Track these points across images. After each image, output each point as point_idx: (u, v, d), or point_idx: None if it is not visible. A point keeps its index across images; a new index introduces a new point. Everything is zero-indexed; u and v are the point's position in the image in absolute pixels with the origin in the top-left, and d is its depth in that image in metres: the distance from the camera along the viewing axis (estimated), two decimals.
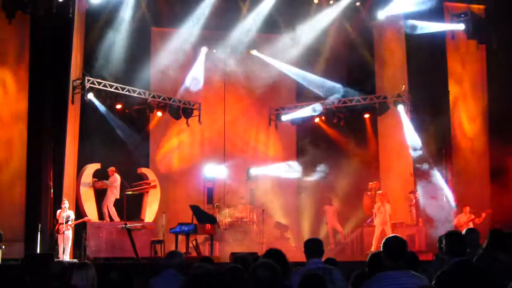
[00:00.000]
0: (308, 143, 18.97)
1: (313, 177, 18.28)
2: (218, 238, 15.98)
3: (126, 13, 17.15)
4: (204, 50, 19.00)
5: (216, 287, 3.93)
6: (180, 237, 15.02)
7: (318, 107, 18.87)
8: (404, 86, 17.71)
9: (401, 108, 17.63)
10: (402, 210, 17.60)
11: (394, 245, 4.46)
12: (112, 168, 16.21)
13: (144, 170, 17.61)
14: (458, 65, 18.14)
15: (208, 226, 15.28)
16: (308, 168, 18.54)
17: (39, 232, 14.02)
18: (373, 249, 15.53)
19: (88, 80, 16.19)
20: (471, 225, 14.71)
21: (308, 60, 19.24)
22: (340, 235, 17.95)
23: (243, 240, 15.99)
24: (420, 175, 16.79)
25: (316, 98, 19.31)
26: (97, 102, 16.58)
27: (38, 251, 13.71)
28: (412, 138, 17.24)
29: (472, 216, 15.75)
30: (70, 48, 15.34)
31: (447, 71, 17.63)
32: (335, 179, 17.10)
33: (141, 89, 17.43)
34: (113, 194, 16.16)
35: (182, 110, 18.50)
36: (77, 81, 16.19)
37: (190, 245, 15.15)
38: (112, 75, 17.00)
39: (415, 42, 17.31)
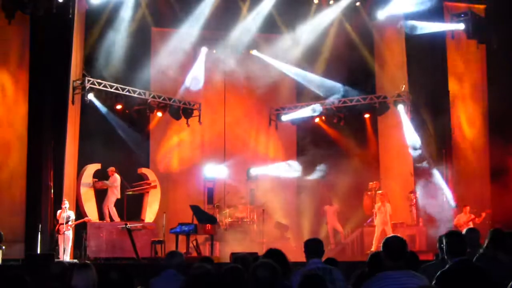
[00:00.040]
0: (308, 143, 18.97)
1: (313, 177, 18.28)
2: (218, 238, 15.98)
3: (126, 13, 17.15)
4: (204, 50, 19.00)
5: (216, 287, 3.93)
6: (180, 237, 15.02)
7: (317, 107, 18.88)
8: (404, 86, 17.71)
9: (401, 108, 17.63)
10: (402, 210, 17.61)
11: (394, 245, 4.46)
12: (112, 168, 16.22)
13: (144, 170, 17.61)
14: (458, 65, 18.14)
15: (208, 226, 15.29)
16: (308, 168, 18.55)
17: (39, 233, 14.04)
18: (373, 249, 15.53)
19: (88, 81, 16.19)
20: (471, 225, 14.71)
21: (308, 60, 19.26)
22: (341, 235, 17.95)
23: (243, 240, 15.97)
24: (420, 175, 16.80)
25: (316, 98, 19.33)
26: (97, 103, 16.58)
27: (38, 252, 13.73)
28: (412, 138, 17.24)
29: (472, 216, 15.76)
30: (70, 48, 15.34)
31: (447, 71, 17.63)
32: (335, 179, 17.09)
33: (141, 90, 17.43)
34: (114, 194, 16.16)
35: (182, 110, 18.50)
36: (77, 82, 16.20)
37: (191, 245, 15.15)
38: (112, 75, 17.00)
39: (415, 42, 17.31)
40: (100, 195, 16.34)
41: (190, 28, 18.14)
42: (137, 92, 17.32)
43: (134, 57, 17.43)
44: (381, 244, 4.55)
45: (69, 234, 14.40)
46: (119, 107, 17.10)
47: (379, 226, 16.38)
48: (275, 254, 5.41)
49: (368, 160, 18.46)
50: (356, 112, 18.68)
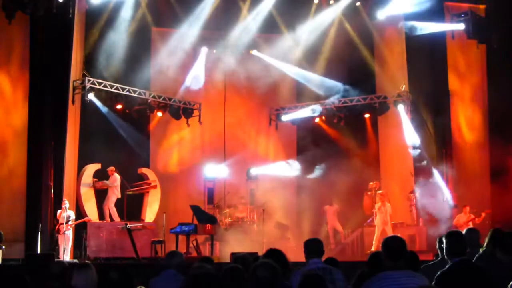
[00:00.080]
0: (308, 143, 18.98)
1: (314, 177, 18.28)
2: (218, 238, 15.98)
3: (126, 13, 17.16)
4: (204, 50, 19.01)
5: (216, 287, 3.93)
6: (180, 237, 15.02)
7: (317, 108, 18.89)
8: (404, 86, 17.71)
9: (401, 108, 17.63)
10: (402, 210, 17.61)
11: (394, 245, 4.47)
12: (111, 168, 16.22)
13: (144, 170, 17.61)
14: (458, 65, 18.14)
15: (208, 226, 15.30)
16: (309, 168, 18.55)
17: (39, 232, 14.03)
18: (373, 249, 15.54)
19: (89, 81, 16.19)
20: (470, 225, 14.71)
21: (308, 60, 19.27)
22: (341, 235, 17.95)
23: (244, 240, 15.97)
24: (420, 174, 16.81)
25: (317, 98, 19.34)
26: (97, 102, 16.58)
27: (38, 251, 13.72)
28: (412, 138, 17.24)
29: (472, 216, 15.76)
30: (70, 48, 15.34)
31: (447, 71, 17.64)
32: (335, 179, 17.08)
33: (141, 89, 17.43)
34: (114, 194, 16.17)
35: (183, 110, 18.51)
36: (78, 81, 16.20)
37: (191, 245, 15.15)
38: (112, 75, 17.00)
39: (415, 42, 17.32)
40: (100, 195, 16.34)
41: (190, 28, 18.15)
42: (137, 92, 17.33)
43: (134, 57, 17.43)
44: (381, 244, 4.55)
45: (69, 234, 14.40)
46: (119, 107, 17.11)
47: (379, 226, 16.38)
48: (275, 254, 5.41)
49: (368, 160, 18.46)
50: (356, 112, 18.69)
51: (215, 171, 18.87)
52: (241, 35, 18.62)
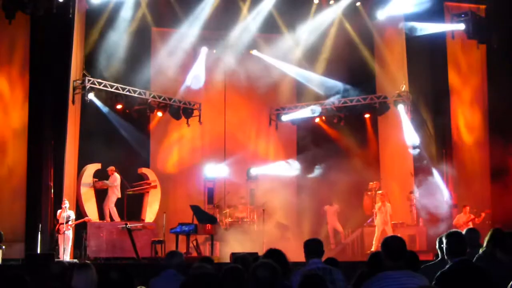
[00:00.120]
0: (309, 143, 18.98)
1: (314, 177, 18.28)
2: (218, 238, 15.98)
3: (126, 13, 17.16)
4: (204, 50, 19.01)
5: (216, 287, 3.93)
6: (180, 237, 15.03)
7: (316, 108, 18.89)
8: (404, 86, 17.71)
9: (401, 108, 17.63)
10: (402, 210, 17.61)
11: (394, 245, 4.47)
12: (111, 168, 16.22)
13: (144, 170, 17.61)
14: (459, 65, 18.14)
15: (208, 226, 15.30)
16: (309, 168, 18.55)
17: (39, 232, 14.03)
18: (373, 249, 15.55)
19: (89, 80, 16.20)
20: (470, 225, 14.71)
21: (308, 60, 19.28)
22: (341, 235, 17.95)
23: (244, 240, 15.97)
24: (419, 174, 16.80)
25: (317, 98, 19.35)
26: (97, 102, 16.58)
27: (38, 251, 13.72)
28: (412, 138, 17.24)
29: (472, 216, 15.76)
30: (70, 48, 15.34)
31: (447, 71, 17.63)
32: (336, 179, 17.08)
33: (141, 89, 17.44)
34: (114, 194, 16.17)
35: (183, 110, 18.51)
36: (78, 81, 16.20)
37: (191, 245, 15.16)
38: (112, 75, 17.00)
39: (415, 42, 17.32)
40: (100, 195, 16.34)
41: (190, 28, 18.15)
42: (137, 92, 17.33)
43: (134, 57, 17.43)
44: (381, 244, 4.55)
45: (69, 234, 14.40)
46: (119, 107, 17.11)
47: (379, 226, 16.39)
48: (275, 254, 5.41)
49: (368, 160, 18.46)
50: (356, 112, 18.69)
51: (215, 171, 18.87)
52: (241, 35, 18.62)
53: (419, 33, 17.11)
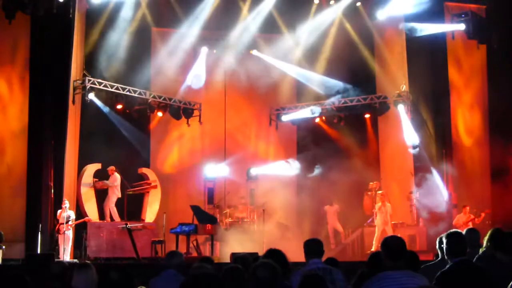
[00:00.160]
0: (309, 143, 18.98)
1: (314, 177, 18.28)
2: (218, 238, 15.97)
3: (127, 13, 17.17)
4: (204, 50, 19.01)
5: (216, 287, 3.93)
6: (180, 237, 15.02)
7: (316, 109, 18.89)
8: (404, 86, 17.71)
9: (401, 108, 17.63)
10: (402, 210, 17.61)
11: (394, 245, 4.47)
12: (112, 168, 16.22)
13: (144, 170, 17.62)
14: (459, 65, 18.13)
15: (208, 226, 15.30)
16: (309, 168, 18.55)
17: (39, 233, 14.02)
18: (373, 249, 15.56)
19: (89, 80, 16.20)
20: (470, 225, 14.71)
21: (309, 60, 19.28)
22: (341, 235, 17.95)
23: (244, 240, 15.98)
24: (419, 174, 16.80)
25: (317, 98, 19.35)
26: (98, 102, 16.59)
27: (38, 252, 13.71)
28: (412, 138, 17.24)
29: (472, 216, 15.76)
30: (71, 48, 15.34)
31: (447, 71, 17.62)
32: (336, 179, 17.08)
33: (141, 89, 17.45)
34: (115, 193, 16.17)
35: (183, 110, 18.52)
36: (78, 81, 16.21)
37: (191, 245, 15.16)
38: (112, 75, 17.02)
39: (416, 42, 17.31)
40: (101, 195, 16.34)
41: (190, 28, 18.16)
42: (137, 92, 17.34)
43: (135, 57, 17.44)
44: (380, 244, 4.55)
45: (69, 234, 14.40)
46: (119, 107, 17.12)
47: (379, 226, 16.39)
48: (275, 254, 5.41)
49: (368, 160, 18.45)
50: (356, 112, 18.70)
51: (215, 171, 18.87)
52: (241, 35, 18.62)
53: (419, 33, 17.10)
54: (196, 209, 15.54)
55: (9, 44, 15.39)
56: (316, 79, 19.29)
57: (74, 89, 16.09)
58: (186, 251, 14.73)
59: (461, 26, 17.27)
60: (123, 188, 16.23)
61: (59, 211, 14.41)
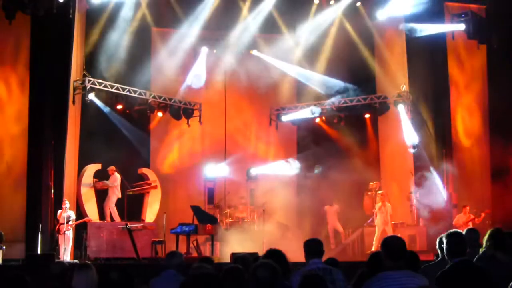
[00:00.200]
0: (309, 143, 18.98)
1: (314, 177, 18.28)
2: (218, 238, 15.97)
3: (127, 13, 17.17)
4: (204, 50, 19.00)
5: (215, 287, 3.94)
6: (180, 237, 15.03)
7: (315, 109, 18.89)
8: (404, 86, 17.71)
9: (401, 108, 17.62)
10: (402, 210, 17.61)
11: (394, 245, 4.47)
12: (112, 168, 16.22)
13: (144, 170, 17.62)
14: (459, 65, 18.13)
15: (208, 226, 15.30)
16: (309, 168, 18.54)
17: (39, 233, 14.02)
18: (373, 249, 15.56)
19: (89, 81, 16.21)
20: (470, 225, 14.71)
21: (309, 60, 19.29)
22: (341, 235, 17.95)
23: (244, 240, 15.99)
24: (419, 174, 16.80)
25: (317, 98, 19.35)
26: (98, 102, 16.59)
27: (38, 252, 13.71)
28: (412, 138, 17.24)
29: (472, 216, 15.75)
30: (71, 48, 15.34)
31: (447, 71, 17.63)
32: (336, 179, 17.09)
33: (141, 90, 17.45)
34: (115, 194, 16.17)
35: (183, 110, 18.52)
36: (78, 82, 16.21)
37: (191, 245, 15.16)
38: (112, 75, 17.03)
39: (416, 42, 17.32)
40: (101, 195, 16.34)
41: (190, 28, 18.16)
42: (137, 92, 17.34)
43: (135, 57, 17.44)
44: (380, 244, 4.55)
45: (70, 234, 14.40)
46: (119, 107, 17.13)
47: (379, 226, 16.40)
48: (275, 254, 5.42)
49: (368, 160, 18.45)
50: (356, 112, 18.70)
51: (216, 171, 18.87)
52: (241, 35, 18.62)
53: (419, 33, 17.10)
54: (196, 209, 15.54)
55: (9, 44, 15.38)
56: (316, 79, 19.30)
57: (74, 89, 16.10)
58: (186, 251, 14.73)
59: (461, 26, 17.27)
60: (123, 188, 16.24)
61: (59, 211, 14.41)
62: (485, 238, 5.54)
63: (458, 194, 16.77)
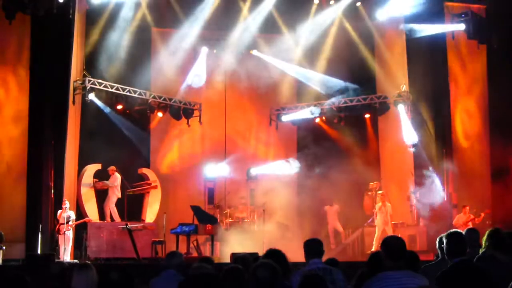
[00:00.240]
0: (309, 143, 18.96)
1: (314, 177, 18.27)
2: (219, 239, 15.97)
3: (127, 14, 17.18)
4: (204, 50, 19.00)
5: (215, 287, 3.94)
6: (181, 237, 15.03)
7: (315, 110, 18.89)
8: (404, 86, 17.71)
9: (401, 108, 17.62)
10: (402, 210, 17.61)
11: (394, 245, 4.47)
12: (112, 167, 16.22)
13: (145, 170, 17.62)
14: (459, 65, 18.12)
15: (209, 226, 15.30)
16: (309, 168, 18.54)
17: (39, 233, 14.02)
18: (374, 249, 15.56)
19: (89, 81, 16.22)
20: (470, 225, 14.70)
21: (309, 60, 19.29)
22: (341, 235, 17.95)
23: (244, 240, 15.99)
24: (419, 174, 16.81)
25: (317, 98, 19.35)
26: (98, 102, 16.60)
27: (38, 252, 13.71)
28: (412, 138, 17.24)
29: (472, 216, 15.75)
30: (71, 48, 15.33)
31: (447, 71, 17.61)
32: (336, 179, 17.10)
33: (141, 90, 17.45)
34: (115, 194, 16.18)
35: (183, 110, 18.52)
36: (78, 82, 16.22)
37: (191, 245, 15.16)
38: (112, 75, 17.03)
39: (416, 42, 17.32)
40: (101, 195, 16.34)
41: (190, 28, 18.16)
42: (137, 93, 17.34)
43: (135, 57, 17.45)
44: (380, 244, 4.55)
45: (70, 234, 14.39)
46: (119, 107, 17.13)
47: (380, 226, 16.40)
48: (275, 254, 5.41)
49: (368, 160, 18.45)
50: (356, 112, 18.69)
51: (216, 171, 18.87)
52: (241, 35, 18.63)
53: (419, 34, 17.10)
54: (196, 209, 15.54)
55: (9, 44, 15.36)
56: (316, 79, 19.30)
57: (74, 89, 16.10)
58: (187, 251, 14.73)
59: (461, 26, 17.26)
60: (123, 188, 16.24)
61: (59, 211, 14.40)
62: (484, 238, 5.54)
63: (458, 194, 16.76)
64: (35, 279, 4.60)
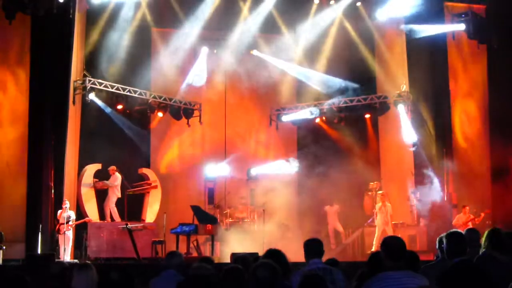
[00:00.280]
0: (309, 143, 18.97)
1: (314, 177, 18.27)
2: (219, 239, 15.97)
3: (127, 13, 17.18)
4: (204, 50, 19.01)
5: (215, 287, 3.94)
6: (181, 237, 15.03)
7: (315, 110, 18.89)
8: (404, 86, 17.71)
9: (401, 108, 17.62)
10: (402, 210, 17.60)
11: (394, 245, 4.47)
12: (112, 167, 16.22)
13: (145, 170, 17.62)
14: (459, 65, 18.13)
15: (209, 226, 15.29)
16: (309, 168, 18.54)
17: (40, 233, 14.01)
18: (374, 249, 15.56)
19: (89, 81, 16.22)
20: (470, 225, 14.70)
21: (309, 60, 19.29)
22: (341, 235, 17.95)
23: (244, 240, 15.99)
24: (419, 174, 16.80)
25: (317, 98, 19.35)
26: (98, 102, 16.60)
27: (39, 252, 13.71)
28: (412, 138, 17.24)
29: (472, 217, 15.75)
30: (71, 48, 15.32)
31: (447, 71, 17.62)
32: (336, 179, 17.11)
33: (142, 90, 17.46)
34: (115, 194, 16.18)
35: (183, 110, 18.52)
36: (78, 82, 16.22)
37: (191, 245, 15.16)
38: (112, 75, 17.04)
39: (416, 42, 17.32)
40: (101, 195, 16.35)
41: (191, 28, 18.16)
42: (138, 92, 17.35)
43: (135, 57, 17.45)
44: (380, 244, 4.55)
45: (70, 234, 14.39)
46: (120, 107, 17.14)
47: (380, 226, 16.40)
48: (275, 254, 5.41)
49: (368, 160, 18.45)
50: (356, 112, 18.69)
51: (216, 171, 18.87)
52: (241, 35, 18.63)
53: (420, 34, 17.10)
54: (196, 209, 15.54)
55: (9, 44, 15.37)
56: (316, 79, 19.30)
57: (75, 89, 16.10)
58: (187, 251, 14.73)
59: (461, 26, 17.26)
60: (123, 188, 16.24)
61: (59, 211, 14.40)
62: (483, 238, 5.54)
63: (458, 194, 16.76)
64: (35, 279, 4.61)
